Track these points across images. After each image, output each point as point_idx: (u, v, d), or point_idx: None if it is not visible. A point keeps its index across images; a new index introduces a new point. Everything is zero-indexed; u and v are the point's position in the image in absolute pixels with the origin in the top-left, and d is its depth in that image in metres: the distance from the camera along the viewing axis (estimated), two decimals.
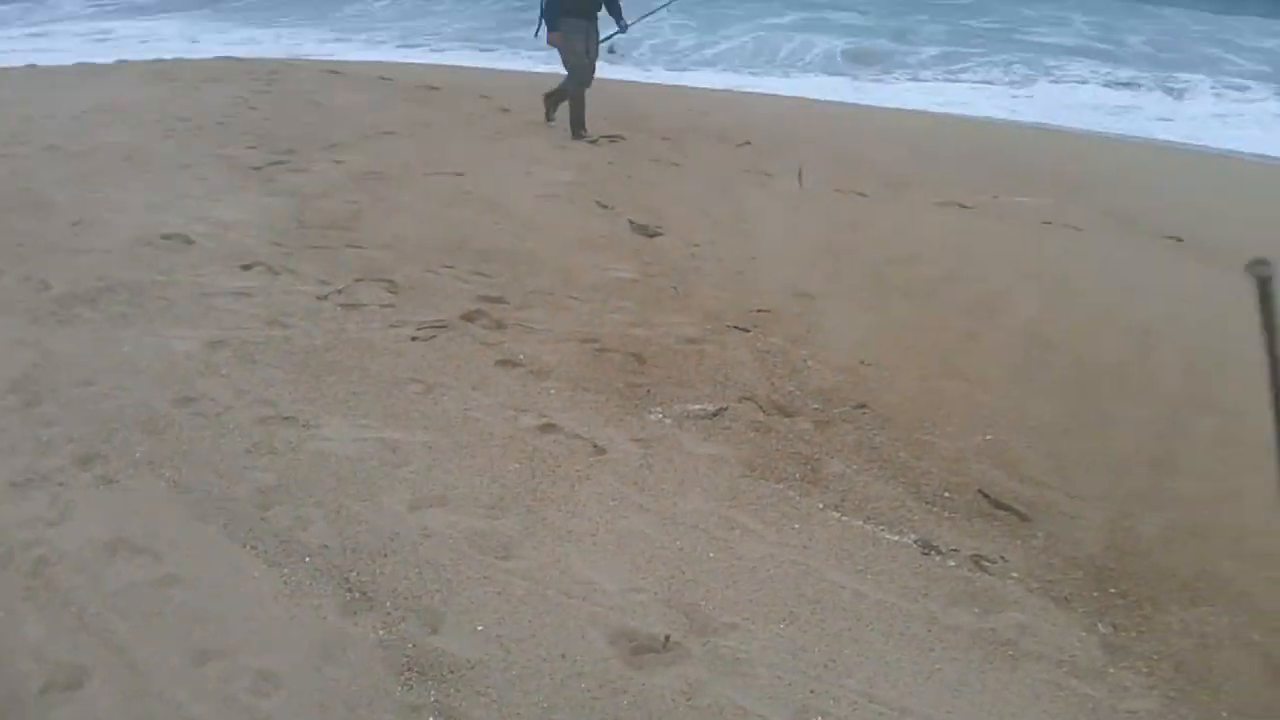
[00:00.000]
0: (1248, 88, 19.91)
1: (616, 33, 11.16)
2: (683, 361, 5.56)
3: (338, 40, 24.19)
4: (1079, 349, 6.09)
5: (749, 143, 11.24)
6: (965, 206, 9.21)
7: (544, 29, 10.77)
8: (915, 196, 9.54)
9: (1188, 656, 3.63)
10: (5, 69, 14.39)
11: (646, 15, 12.57)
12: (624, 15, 11.09)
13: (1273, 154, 14.20)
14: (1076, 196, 9.90)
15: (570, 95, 11.15)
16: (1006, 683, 3.44)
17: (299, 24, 27.29)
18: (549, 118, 11.70)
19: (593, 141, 10.93)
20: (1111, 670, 3.54)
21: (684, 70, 19.09)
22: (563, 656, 3.39)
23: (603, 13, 11.01)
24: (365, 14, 28.94)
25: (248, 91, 12.52)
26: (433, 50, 22.24)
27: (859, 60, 21.20)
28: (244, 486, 4.24)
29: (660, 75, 18.68)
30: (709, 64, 20.06)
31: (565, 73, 11.28)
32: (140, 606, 3.53)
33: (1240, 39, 28.19)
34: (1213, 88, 19.87)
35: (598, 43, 11.14)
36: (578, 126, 11.13)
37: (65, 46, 19.96)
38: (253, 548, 3.86)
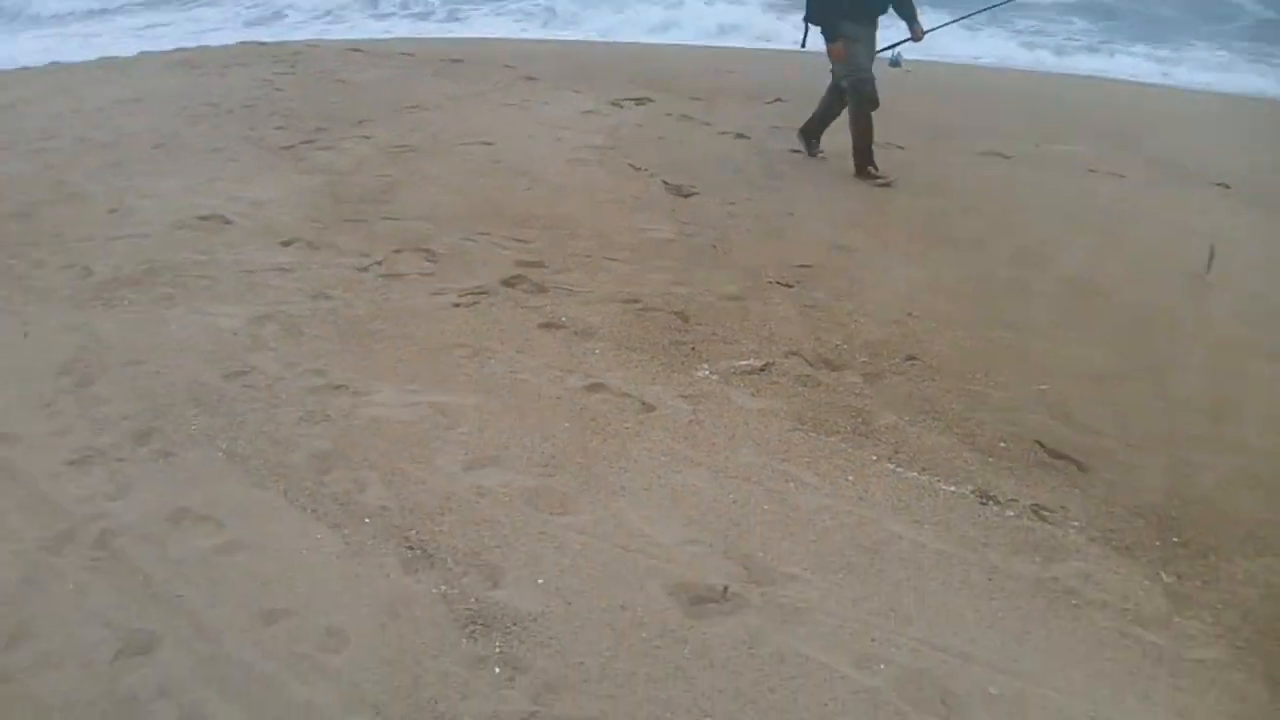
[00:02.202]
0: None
1: (905, 41, 8.52)
2: (726, 318, 5.54)
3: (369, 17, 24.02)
4: (1131, 296, 6.06)
5: (780, 99, 11.11)
6: (1006, 156, 9.12)
7: (812, 37, 8.43)
8: (954, 147, 9.45)
9: (1254, 606, 3.59)
10: (28, 68, 14.30)
11: (966, 16, 9.76)
12: (918, 17, 8.39)
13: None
14: (1118, 145, 9.80)
15: (853, 116, 8.44)
16: (1070, 631, 3.41)
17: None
18: (812, 152, 9.09)
19: (886, 184, 8.36)
20: (1177, 619, 3.51)
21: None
22: (622, 608, 3.39)
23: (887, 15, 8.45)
24: None
25: (272, 74, 12.40)
26: (452, 21, 22.02)
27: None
28: (300, 454, 4.24)
29: (683, 35, 18.46)
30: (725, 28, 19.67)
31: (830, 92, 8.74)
32: (206, 572, 3.54)
33: None
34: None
35: (874, 54, 8.51)
36: (862, 159, 8.49)
37: (106, 39, 19.75)
38: (313, 511, 3.86)
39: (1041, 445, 4.47)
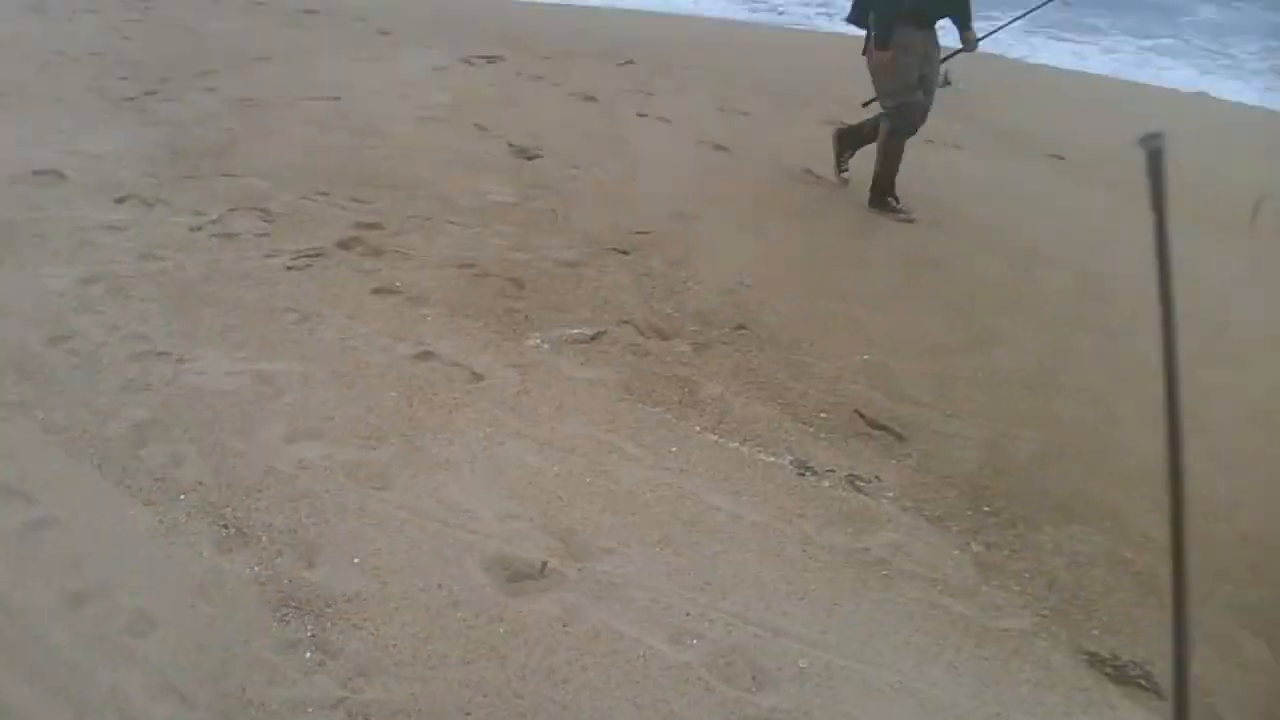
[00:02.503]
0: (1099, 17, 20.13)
1: (959, 51, 7.30)
2: (561, 285, 5.56)
3: None
4: (962, 268, 6.23)
5: (631, 61, 11.15)
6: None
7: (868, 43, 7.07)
8: (799, 116, 9.55)
9: (1060, 575, 3.75)
10: None
11: (1015, 19, 8.35)
12: (973, 22, 7.14)
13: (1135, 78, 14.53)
14: (956, 115, 9.99)
15: (884, 141, 7.26)
16: (879, 602, 3.51)
17: None
18: (840, 167, 7.89)
19: (907, 219, 7.22)
20: (984, 589, 3.64)
21: None
22: (439, 586, 3.39)
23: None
24: None
25: (121, 21, 11.97)
26: None
27: None
28: (118, 424, 4.13)
29: None
30: None
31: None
32: (14, 550, 3.44)
33: None
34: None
35: (937, 65, 7.28)
36: (882, 190, 7.33)
37: None
38: (127, 486, 3.77)
39: (861, 415, 4.58)
